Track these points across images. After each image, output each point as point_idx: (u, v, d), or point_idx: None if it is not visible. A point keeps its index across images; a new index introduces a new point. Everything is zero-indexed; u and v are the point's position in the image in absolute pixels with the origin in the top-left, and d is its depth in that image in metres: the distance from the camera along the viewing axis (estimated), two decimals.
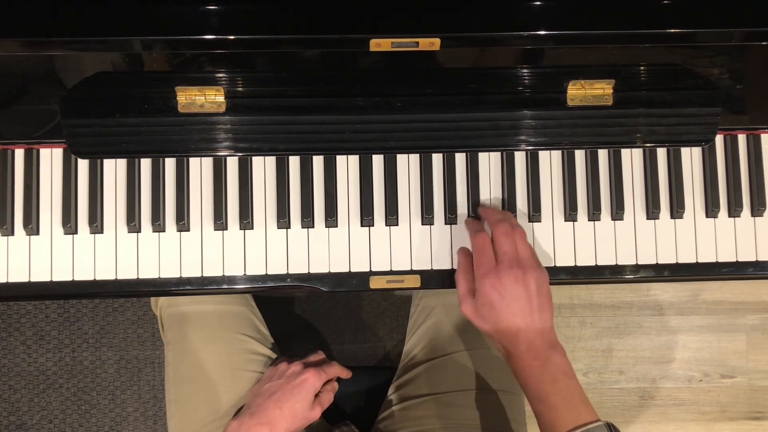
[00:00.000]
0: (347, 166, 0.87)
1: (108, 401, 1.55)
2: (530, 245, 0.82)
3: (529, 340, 0.77)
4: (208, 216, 0.86)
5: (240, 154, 0.84)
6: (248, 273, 0.86)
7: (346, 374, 1.00)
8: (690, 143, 0.87)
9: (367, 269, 0.86)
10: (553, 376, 0.76)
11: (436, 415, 0.96)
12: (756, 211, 0.89)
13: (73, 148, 0.82)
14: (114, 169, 0.86)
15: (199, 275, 0.85)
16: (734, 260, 0.88)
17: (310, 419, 0.91)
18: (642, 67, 0.84)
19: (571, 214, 0.87)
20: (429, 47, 0.76)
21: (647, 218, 0.88)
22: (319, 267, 0.86)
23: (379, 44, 0.75)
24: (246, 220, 0.85)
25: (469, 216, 0.87)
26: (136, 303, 1.55)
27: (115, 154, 0.84)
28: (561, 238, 0.88)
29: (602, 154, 0.88)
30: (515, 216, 0.87)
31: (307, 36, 0.76)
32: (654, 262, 0.88)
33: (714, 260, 0.88)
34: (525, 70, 0.83)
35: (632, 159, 0.89)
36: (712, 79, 0.84)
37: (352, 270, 0.86)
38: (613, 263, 0.88)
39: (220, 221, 0.85)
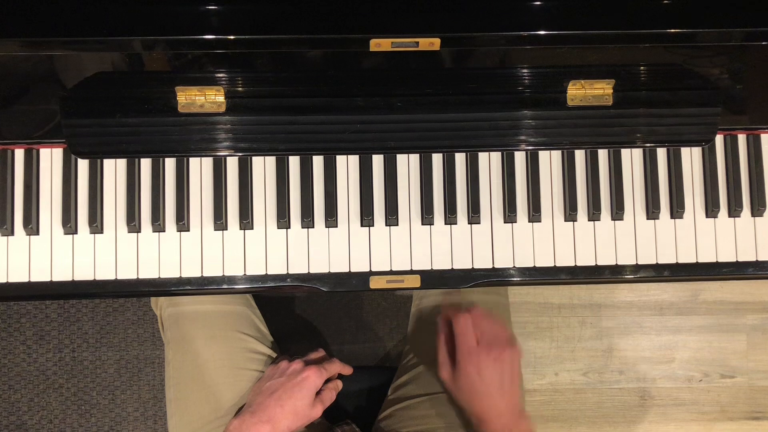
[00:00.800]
0: (347, 166, 0.87)
1: (108, 401, 1.55)
2: (501, 322, 0.90)
3: (500, 411, 0.86)
4: (208, 216, 0.86)
5: (240, 154, 0.84)
6: (248, 273, 0.86)
7: (347, 371, 1.00)
8: (690, 143, 0.87)
9: (367, 269, 0.86)
10: None
11: (436, 415, 0.96)
12: (756, 211, 0.89)
13: (73, 148, 0.82)
14: (114, 169, 0.86)
15: (199, 275, 0.85)
16: (734, 260, 0.88)
17: (312, 417, 0.91)
18: (642, 67, 0.84)
19: (571, 214, 0.87)
20: (429, 47, 0.76)
21: (647, 218, 0.88)
22: (319, 267, 0.86)
23: (379, 44, 0.75)
24: (246, 220, 0.85)
25: (469, 215, 0.87)
26: (136, 303, 1.55)
27: (115, 154, 0.84)
28: (561, 238, 0.88)
29: (602, 154, 0.88)
30: (516, 215, 0.87)
31: (307, 36, 0.76)
32: (654, 262, 0.88)
33: (714, 260, 0.88)
34: (525, 70, 0.83)
35: (632, 159, 0.89)
36: (712, 79, 0.84)
37: (352, 270, 0.86)
38: (613, 263, 0.88)
39: (220, 221, 0.85)
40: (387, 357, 1.55)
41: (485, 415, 0.86)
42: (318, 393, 0.93)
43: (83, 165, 0.86)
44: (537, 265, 0.87)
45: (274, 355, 1.01)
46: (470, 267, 0.87)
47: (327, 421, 1.03)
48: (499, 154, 0.88)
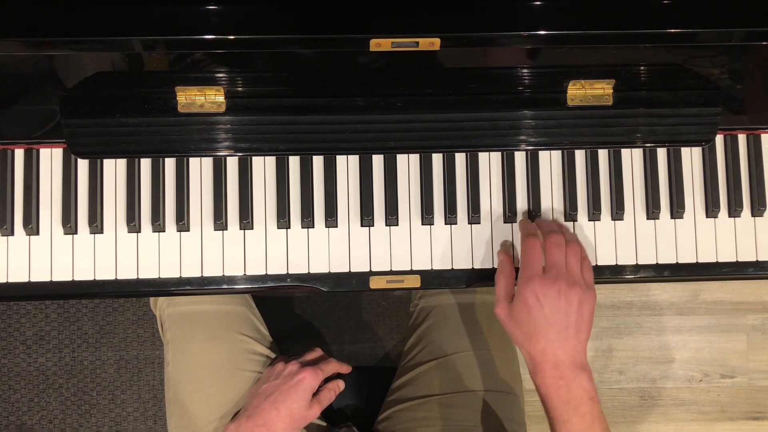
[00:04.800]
0: (347, 166, 0.87)
1: (108, 401, 1.55)
2: (589, 264, 0.81)
3: (557, 357, 0.76)
4: (208, 216, 0.86)
5: (240, 154, 0.84)
6: (248, 273, 0.85)
7: (345, 369, 0.99)
8: (690, 143, 0.87)
9: (367, 269, 0.86)
10: (578, 399, 0.75)
11: (436, 416, 0.96)
12: (756, 211, 0.89)
13: (72, 148, 0.82)
14: (114, 169, 0.86)
15: (198, 275, 0.85)
16: (734, 260, 0.88)
17: (309, 419, 0.91)
18: (642, 67, 0.84)
19: (571, 214, 0.87)
20: (429, 47, 0.76)
21: (647, 218, 0.88)
22: (319, 267, 0.86)
23: (379, 44, 0.75)
24: (246, 220, 0.85)
25: (469, 215, 0.87)
26: (136, 303, 1.55)
27: (115, 154, 0.84)
28: None
29: (602, 154, 0.88)
30: (516, 215, 0.87)
31: (307, 36, 0.76)
32: (654, 262, 0.88)
33: (714, 260, 0.88)
34: (525, 70, 0.83)
35: (632, 159, 0.89)
36: (712, 79, 0.84)
37: (352, 270, 0.86)
38: (613, 263, 0.88)
39: (220, 221, 0.85)
40: (387, 357, 1.55)
41: (539, 363, 0.76)
42: (315, 394, 0.93)
43: (83, 165, 0.86)
44: None
45: (273, 355, 1.01)
46: (470, 267, 0.87)
47: (327, 422, 1.03)
48: (499, 154, 0.88)
